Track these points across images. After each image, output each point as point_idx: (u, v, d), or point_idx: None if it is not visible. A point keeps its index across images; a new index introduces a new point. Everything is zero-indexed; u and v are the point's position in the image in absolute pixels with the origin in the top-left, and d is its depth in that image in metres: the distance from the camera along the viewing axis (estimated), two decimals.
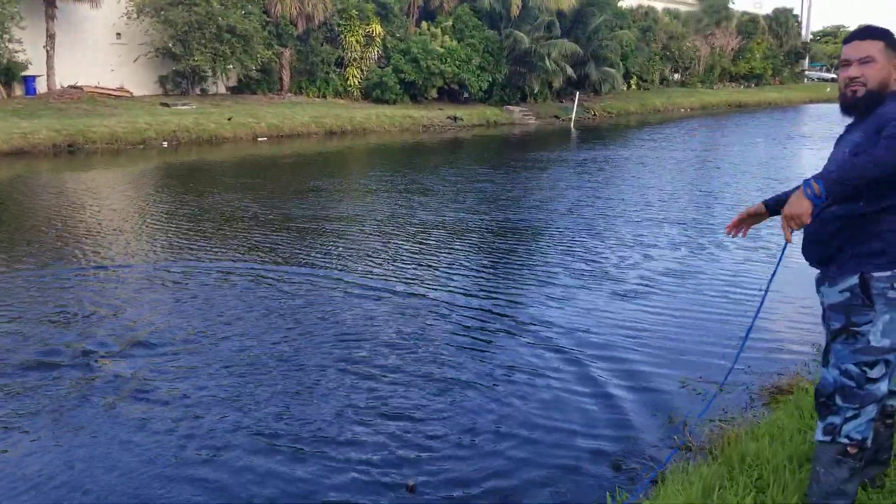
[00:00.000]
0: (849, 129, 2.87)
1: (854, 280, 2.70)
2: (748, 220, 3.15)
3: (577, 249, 9.58)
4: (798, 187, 2.58)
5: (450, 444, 4.42)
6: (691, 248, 9.59)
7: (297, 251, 9.41)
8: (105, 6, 26.87)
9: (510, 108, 37.40)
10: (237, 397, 5.02)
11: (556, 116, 38.32)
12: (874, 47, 2.71)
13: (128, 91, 28.84)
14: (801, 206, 2.50)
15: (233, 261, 8.83)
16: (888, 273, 2.66)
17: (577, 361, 5.74)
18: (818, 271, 2.90)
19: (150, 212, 12.25)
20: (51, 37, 25.89)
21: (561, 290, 7.68)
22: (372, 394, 5.10)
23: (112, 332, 6.28)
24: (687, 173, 18.42)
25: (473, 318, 6.80)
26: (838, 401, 2.75)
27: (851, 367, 2.72)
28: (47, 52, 25.89)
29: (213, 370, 5.49)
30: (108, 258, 8.99)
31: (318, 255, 9.21)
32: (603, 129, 34.67)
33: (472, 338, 6.28)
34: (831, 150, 2.93)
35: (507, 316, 6.86)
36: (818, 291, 2.90)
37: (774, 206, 3.05)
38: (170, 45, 27.89)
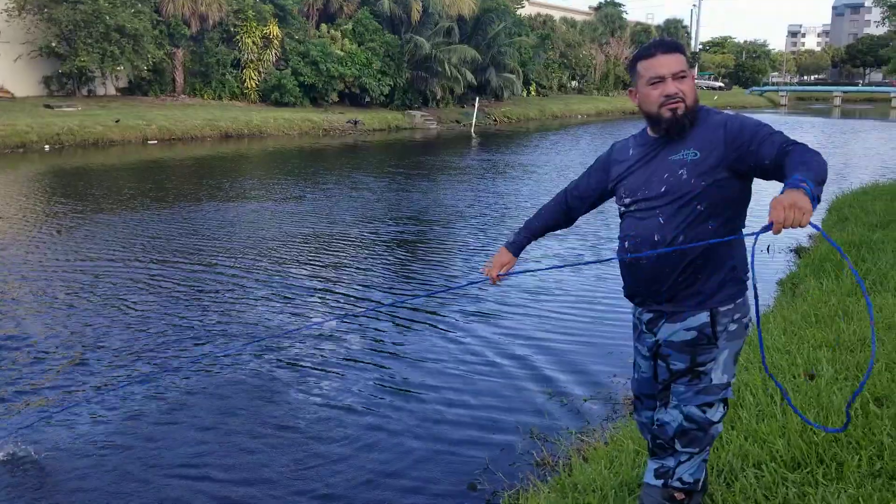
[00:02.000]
0: (657, 147, 2.60)
1: (704, 317, 2.53)
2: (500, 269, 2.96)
3: (435, 262, 9.37)
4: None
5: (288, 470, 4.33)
6: (550, 261, 9.26)
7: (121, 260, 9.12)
8: None
9: (412, 112, 37.47)
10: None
11: (458, 122, 38.63)
12: (682, 61, 2.51)
13: (8, 92, 27.42)
14: (807, 205, 2.03)
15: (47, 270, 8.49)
16: (731, 306, 2.54)
17: (436, 379, 5.66)
18: (643, 309, 2.69)
19: None
20: None
21: (410, 312, 7.33)
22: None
23: None
24: (566, 177, 18.71)
25: (301, 344, 6.56)
26: (678, 445, 2.59)
27: (694, 411, 2.56)
28: None
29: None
30: None
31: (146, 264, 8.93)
32: (502, 134, 35.14)
33: (302, 366, 6.15)
34: (639, 171, 2.64)
35: (350, 335, 6.66)
36: (646, 330, 2.70)
37: (518, 251, 2.97)
38: (54, 44, 26.65)
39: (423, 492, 4.07)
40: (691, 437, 2.58)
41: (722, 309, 2.53)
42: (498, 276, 2.93)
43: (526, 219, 3.06)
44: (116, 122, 24.83)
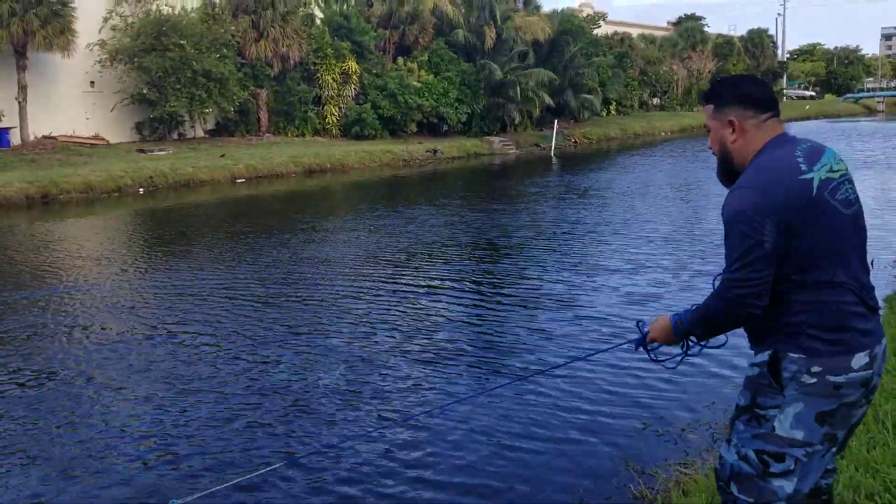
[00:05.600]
0: None
1: (765, 356, 2.34)
2: None
3: (522, 315, 8.27)
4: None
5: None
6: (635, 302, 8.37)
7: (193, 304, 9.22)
8: (77, 55, 26.75)
9: (489, 138, 37.45)
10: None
11: (537, 145, 38.41)
12: (707, 113, 2.53)
13: (104, 139, 28.70)
14: (665, 338, 2.63)
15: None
16: (802, 356, 2.28)
17: (528, 410, 5.46)
18: None
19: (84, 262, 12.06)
20: (23, 88, 25.79)
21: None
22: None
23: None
24: (657, 204, 18.08)
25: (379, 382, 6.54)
26: (733, 489, 2.36)
27: (751, 454, 2.34)
28: (19, 103, 25.75)
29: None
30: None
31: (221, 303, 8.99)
32: (583, 155, 34.75)
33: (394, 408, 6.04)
34: None
35: (440, 366, 6.62)
36: None
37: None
38: (145, 91, 27.82)
39: None
40: (745, 483, 2.34)
41: (791, 355, 2.28)
42: None
43: None
44: (222, 156, 26.48)
